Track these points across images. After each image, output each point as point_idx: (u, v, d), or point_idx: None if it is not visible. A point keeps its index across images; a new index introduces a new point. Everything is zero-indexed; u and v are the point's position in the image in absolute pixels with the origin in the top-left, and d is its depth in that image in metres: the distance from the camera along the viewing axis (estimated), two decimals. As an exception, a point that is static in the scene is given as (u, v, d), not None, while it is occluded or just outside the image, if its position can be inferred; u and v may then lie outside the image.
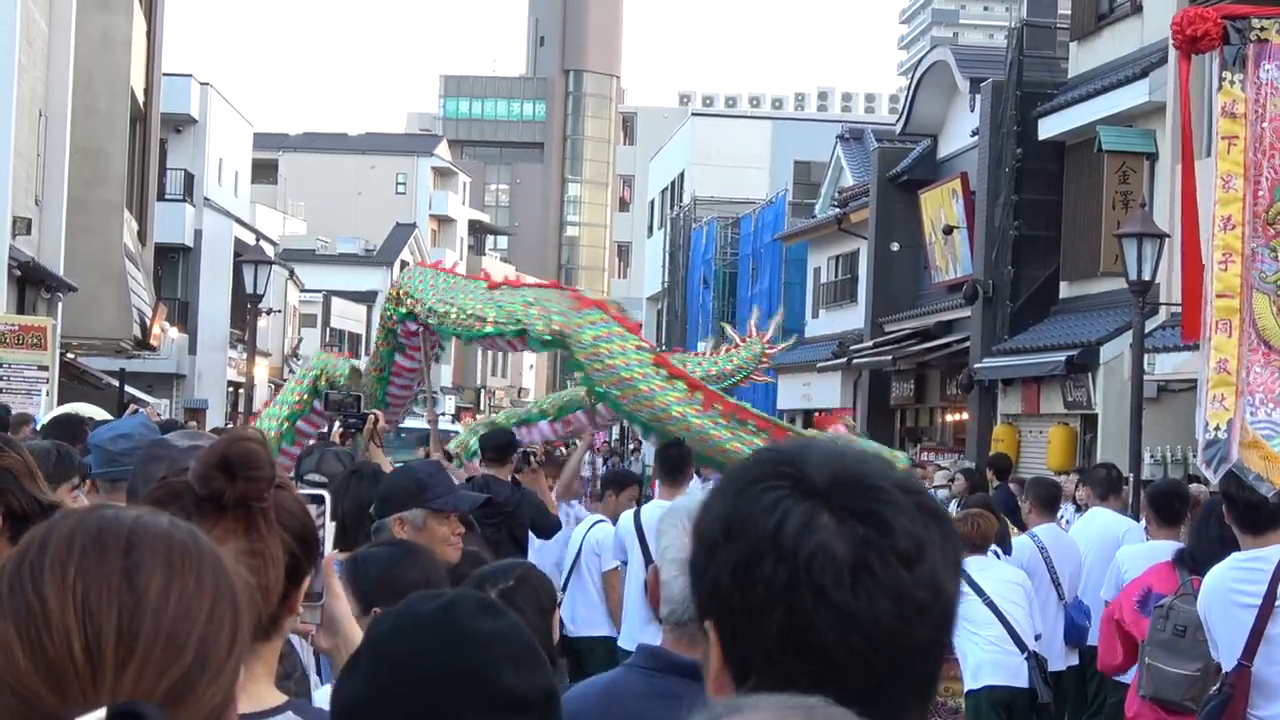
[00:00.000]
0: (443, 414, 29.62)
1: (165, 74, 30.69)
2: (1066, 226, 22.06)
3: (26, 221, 19.26)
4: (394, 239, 65.75)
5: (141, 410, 17.12)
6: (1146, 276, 14.16)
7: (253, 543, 2.01)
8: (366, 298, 56.64)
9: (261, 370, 30.07)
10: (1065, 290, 22.35)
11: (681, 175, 50.05)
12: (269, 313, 36.32)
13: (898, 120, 30.09)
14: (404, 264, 62.90)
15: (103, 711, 1.13)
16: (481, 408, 67.37)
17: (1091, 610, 8.97)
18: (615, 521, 9.41)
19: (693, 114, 59.67)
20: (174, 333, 33.00)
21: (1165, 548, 7.30)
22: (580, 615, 9.55)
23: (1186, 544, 6.74)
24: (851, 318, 31.45)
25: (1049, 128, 21.95)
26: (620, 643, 8.79)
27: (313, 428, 11.83)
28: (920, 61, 29.40)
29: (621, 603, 9.11)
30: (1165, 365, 16.82)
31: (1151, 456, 16.93)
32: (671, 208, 49.99)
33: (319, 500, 2.35)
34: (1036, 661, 7.86)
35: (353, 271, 61.85)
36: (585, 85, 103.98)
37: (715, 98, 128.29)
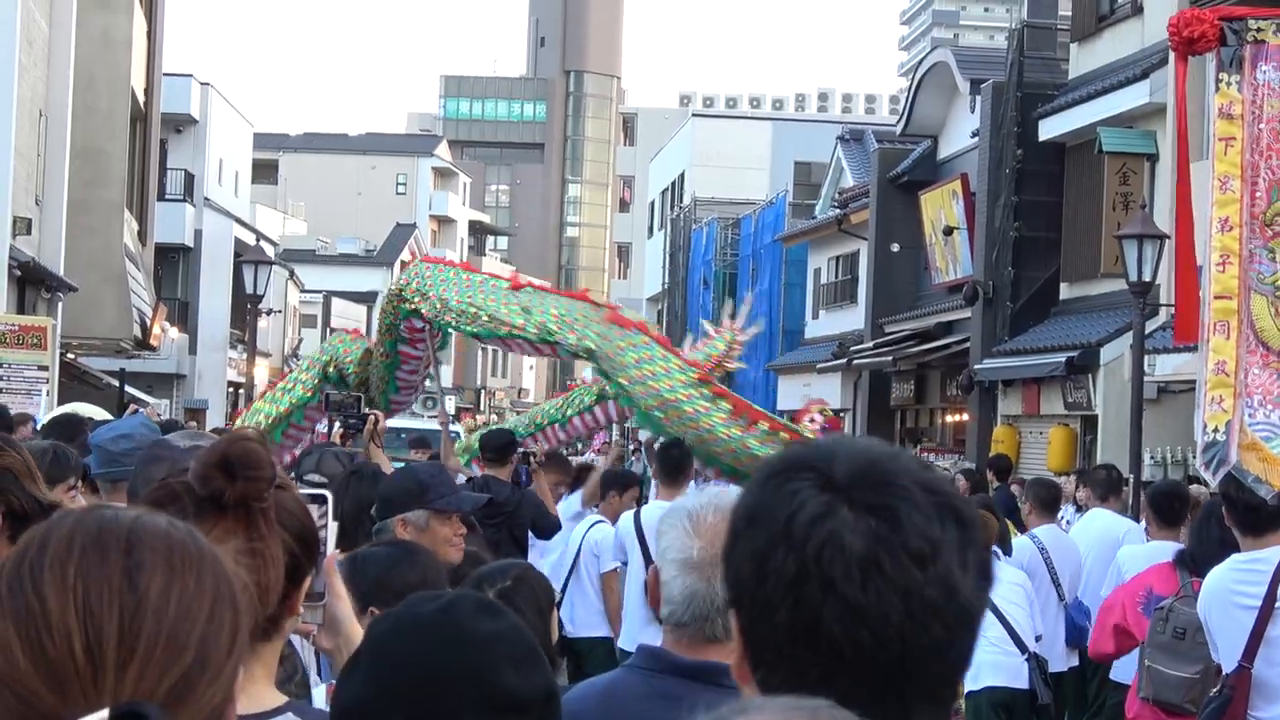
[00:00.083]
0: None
1: (166, 74, 30.69)
2: (1067, 228, 22.07)
3: (27, 221, 19.26)
4: (394, 239, 65.74)
5: (141, 410, 17.12)
6: (1147, 278, 14.16)
7: (252, 543, 2.01)
8: (367, 298, 56.61)
9: (262, 370, 30.03)
10: (1065, 291, 22.35)
11: (682, 176, 50.08)
12: (269, 313, 36.33)
13: (898, 121, 30.10)
14: (404, 264, 62.97)
15: (105, 712, 1.13)
16: (482, 408, 67.38)
17: (1091, 611, 8.97)
18: (616, 522, 9.41)
19: (693, 115, 59.71)
20: (174, 333, 33.00)
21: (1166, 548, 7.30)
22: (579, 616, 9.55)
23: (1187, 545, 6.74)
24: (852, 318, 31.46)
25: (1049, 129, 21.95)
26: (620, 643, 8.79)
27: (308, 421, 11.52)
28: (921, 63, 29.40)
29: (620, 604, 9.11)
30: (1165, 366, 16.82)
31: (1151, 458, 16.94)
32: (672, 208, 50.01)
33: (321, 500, 2.34)
34: (1037, 662, 7.86)
35: (353, 272, 61.85)
36: (586, 86, 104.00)
37: (716, 98, 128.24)
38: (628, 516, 9.02)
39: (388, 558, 3.66)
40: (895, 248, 28.44)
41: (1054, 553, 9.15)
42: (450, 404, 37.29)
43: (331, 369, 11.21)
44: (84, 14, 22.64)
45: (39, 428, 9.19)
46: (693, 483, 9.04)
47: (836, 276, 33.54)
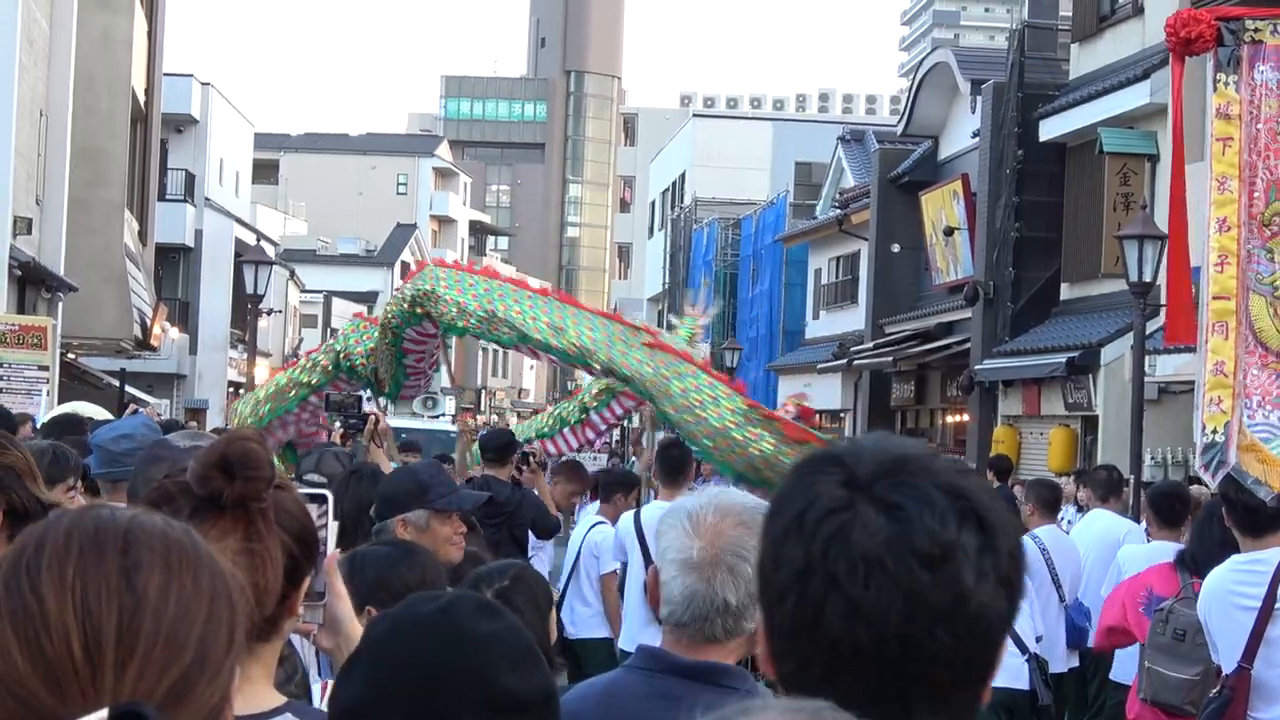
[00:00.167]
0: (442, 415, 29.53)
1: (166, 74, 30.68)
2: (1067, 228, 22.07)
3: (27, 221, 19.26)
4: (395, 239, 65.78)
5: (142, 410, 17.12)
6: (1147, 278, 14.15)
7: (250, 543, 2.01)
8: (367, 298, 56.59)
9: (262, 370, 29.98)
10: (1066, 292, 22.35)
11: (682, 176, 50.09)
12: (269, 313, 36.32)
13: (899, 122, 30.09)
14: (404, 265, 62.98)
15: (104, 712, 1.12)
16: (482, 408, 67.35)
17: (1092, 612, 8.97)
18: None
19: (694, 115, 59.71)
20: (174, 333, 33.00)
21: (1166, 549, 7.30)
22: (580, 617, 9.54)
23: (1188, 545, 6.74)
24: (852, 319, 31.45)
25: (1050, 129, 21.95)
26: (621, 644, 8.78)
27: (303, 411, 11.00)
28: (921, 63, 29.40)
29: (619, 606, 9.09)
30: (1166, 367, 16.82)
31: (1152, 458, 16.94)
32: (672, 209, 50.01)
33: (321, 500, 2.34)
34: (1037, 663, 7.86)
35: (353, 272, 61.88)
36: (586, 86, 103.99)
37: (716, 99, 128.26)
38: (628, 516, 9.01)
39: (387, 557, 3.66)
40: (896, 248, 28.44)
41: (1054, 553, 9.14)
42: (450, 404, 37.22)
43: (343, 359, 10.73)
44: (84, 14, 22.63)
45: (38, 427, 9.19)
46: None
47: (837, 277, 33.54)
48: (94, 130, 23.36)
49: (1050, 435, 20.90)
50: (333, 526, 2.36)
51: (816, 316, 34.87)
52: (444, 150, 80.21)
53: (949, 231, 24.93)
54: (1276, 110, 5.92)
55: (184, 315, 36.85)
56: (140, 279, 25.91)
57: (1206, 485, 9.19)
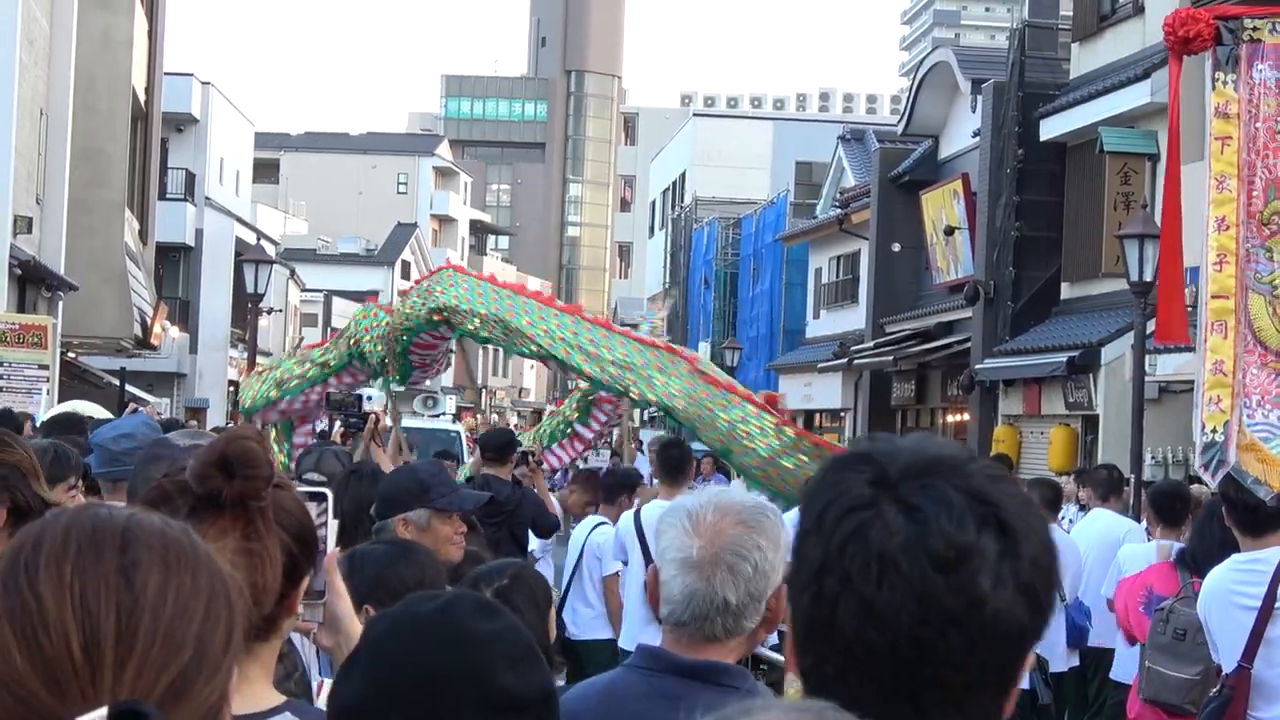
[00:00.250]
0: (443, 414, 29.51)
1: (166, 73, 30.69)
2: (1068, 227, 22.07)
3: (27, 220, 19.27)
4: (395, 239, 65.76)
5: (142, 409, 17.12)
6: (1148, 277, 14.14)
7: (249, 541, 2.01)
8: (368, 297, 56.58)
9: (262, 370, 30.08)
10: (1066, 291, 22.35)
11: (683, 175, 50.10)
12: (270, 312, 36.32)
13: (899, 121, 30.10)
14: (405, 264, 63.01)
15: (103, 711, 1.12)
16: (482, 407, 67.38)
17: (1092, 611, 8.97)
18: (617, 523, 9.37)
19: (694, 114, 59.68)
20: (175, 332, 33.01)
21: (1166, 548, 7.31)
22: (582, 619, 9.52)
23: (1188, 545, 6.74)
24: (852, 318, 31.46)
25: (1050, 129, 21.95)
26: (621, 644, 8.77)
27: (303, 401, 10.91)
28: (922, 62, 29.40)
29: (620, 607, 9.09)
30: (1166, 366, 16.83)
31: (1152, 457, 16.94)
32: (673, 208, 50.03)
33: (321, 498, 2.33)
34: (1038, 663, 7.85)
35: (354, 271, 61.84)
36: (587, 85, 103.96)
37: (717, 98, 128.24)
38: (628, 516, 9.00)
39: (386, 556, 3.66)
40: (896, 247, 28.44)
41: (1054, 553, 9.14)
42: (450, 404, 37.23)
43: (353, 344, 10.57)
44: (85, 13, 22.64)
45: (38, 426, 9.19)
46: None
47: (837, 276, 33.55)
48: (94, 130, 23.38)
49: (1051, 435, 20.90)
50: (332, 525, 2.35)
51: (817, 316, 34.88)
52: (444, 149, 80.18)
53: (949, 231, 24.92)
54: (1275, 109, 5.92)
55: (184, 314, 36.86)
56: (140, 278, 25.92)
57: (1206, 484, 9.20)
